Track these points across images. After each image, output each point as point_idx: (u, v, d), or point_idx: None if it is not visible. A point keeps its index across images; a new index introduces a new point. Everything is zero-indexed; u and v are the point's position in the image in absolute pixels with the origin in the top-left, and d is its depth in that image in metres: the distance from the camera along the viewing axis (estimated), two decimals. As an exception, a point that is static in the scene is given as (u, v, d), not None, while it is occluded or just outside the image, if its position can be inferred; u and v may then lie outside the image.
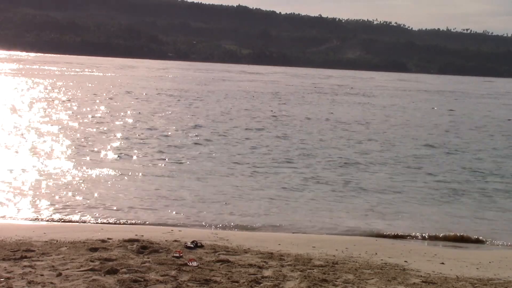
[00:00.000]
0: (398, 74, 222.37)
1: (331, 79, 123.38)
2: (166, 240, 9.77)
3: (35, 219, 12.02)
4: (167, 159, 19.63)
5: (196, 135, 25.93)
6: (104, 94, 47.79)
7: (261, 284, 7.51)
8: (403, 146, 25.75)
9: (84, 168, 17.26)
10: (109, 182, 15.63)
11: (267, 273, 8.04)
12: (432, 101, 63.77)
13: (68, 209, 12.78)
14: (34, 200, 13.28)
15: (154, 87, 60.91)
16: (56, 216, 12.27)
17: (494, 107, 59.72)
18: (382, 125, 34.67)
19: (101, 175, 16.39)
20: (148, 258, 8.51)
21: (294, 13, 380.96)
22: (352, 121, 36.04)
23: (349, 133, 29.77)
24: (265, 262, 8.65)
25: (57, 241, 9.44)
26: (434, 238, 12.12)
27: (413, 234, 12.29)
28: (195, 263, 8.23)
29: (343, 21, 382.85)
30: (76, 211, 12.69)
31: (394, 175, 18.68)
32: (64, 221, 11.97)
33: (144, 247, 9.05)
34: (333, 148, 24.05)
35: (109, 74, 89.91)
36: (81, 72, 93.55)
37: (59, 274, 7.45)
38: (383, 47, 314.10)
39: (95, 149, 20.76)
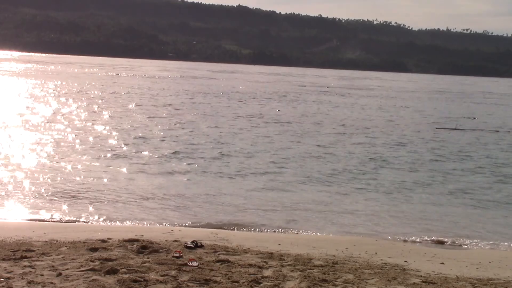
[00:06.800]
0: (398, 74, 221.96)
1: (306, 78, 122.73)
2: (166, 240, 9.77)
3: (35, 219, 12.01)
4: (167, 160, 19.62)
5: (206, 135, 25.97)
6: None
7: (261, 284, 7.51)
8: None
9: (85, 168, 17.27)
10: (109, 183, 15.63)
11: (267, 273, 8.03)
12: (402, 100, 63.24)
13: (68, 209, 12.78)
14: (34, 200, 13.28)
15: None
16: (56, 216, 12.27)
17: (458, 105, 58.58)
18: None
19: (101, 176, 16.38)
20: (148, 258, 8.50)
21: (294, 13, 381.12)
22: (301, 119, 36.15)
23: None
24: (265, 262, 8.65)
25: (57, 241, 9.44)
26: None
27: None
28: (195, 263, 8.23)
29: (343, 21, 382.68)
30: (76, 211, 12.69)
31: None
32: (64, 221, 11.97)
33: (144, 247, 9.05)
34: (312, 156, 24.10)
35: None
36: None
37: (59, 274, 7.45)
38: (383, 47, 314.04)
39: (96, 150, 20.75)
